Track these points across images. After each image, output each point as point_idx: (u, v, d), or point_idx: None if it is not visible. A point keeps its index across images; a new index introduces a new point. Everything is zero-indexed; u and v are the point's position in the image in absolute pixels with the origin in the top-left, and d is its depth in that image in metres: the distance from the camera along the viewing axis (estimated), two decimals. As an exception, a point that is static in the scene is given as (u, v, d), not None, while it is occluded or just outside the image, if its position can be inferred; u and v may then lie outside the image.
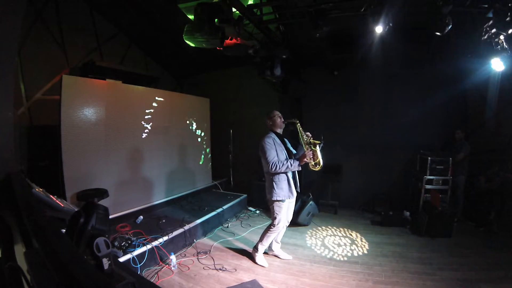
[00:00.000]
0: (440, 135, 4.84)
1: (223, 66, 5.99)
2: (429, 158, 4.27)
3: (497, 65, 3.76)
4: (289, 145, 3.12)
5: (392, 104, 5.03)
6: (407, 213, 4.34)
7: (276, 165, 2.81)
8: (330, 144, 5.32)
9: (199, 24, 2.95)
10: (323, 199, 5.28)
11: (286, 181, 2.91)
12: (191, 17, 3.40)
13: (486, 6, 2.91)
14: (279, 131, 3.06)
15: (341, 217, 4.84)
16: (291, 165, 2.81)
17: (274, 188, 2.89)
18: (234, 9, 3.15)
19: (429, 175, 4.28)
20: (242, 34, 3.46)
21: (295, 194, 2.99)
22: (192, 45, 3.13)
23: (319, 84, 5.63)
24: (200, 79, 6.65)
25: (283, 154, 2.95)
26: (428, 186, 4.30)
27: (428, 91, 4.75)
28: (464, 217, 4.40)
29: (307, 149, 2.87)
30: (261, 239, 3.14)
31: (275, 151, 2.89)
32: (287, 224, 3.24)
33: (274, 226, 3.02)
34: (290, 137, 3.26)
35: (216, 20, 2.95)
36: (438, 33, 2.95)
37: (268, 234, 3.08)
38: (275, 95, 5.89)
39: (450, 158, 4.23)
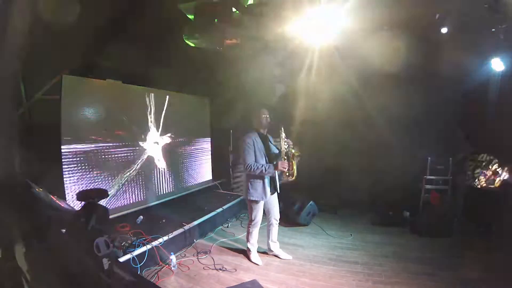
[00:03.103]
0: (440, 135, 4.84)
1: (223, 66, 5.97)
2: (429, 158, 4.27)
3: (497, 65, 3.76)
4: (272, 146, 3.07)
5: (392, 103, 5.02)
6: (407, 213, 4.34)
7: (251, 167, 2.81)
8: (330, 143, 5.40)
9: (199, 24, 2.95)
10: (323, 199, 5.27)
11: (262, 183, 2.92)
12: (191, 17, 3.40)
13: (486, 6, 2.90)
14: (263, 131, 3.01)
15: (341, 217, 4.84)
16: (265, 170, 2.81)
17: (249, 188, 2.93)
18: (234, 9, 3.15)
19: (429, 175, 4.28)
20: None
21: (269, 195, 2.99)
22: (192, 45, 3.13)
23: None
24: (200, 79, 6.64)
25: (262, 157, 2.91)
26: (428, 186, 4.30)
27: (428, 91, 4.74)
28: (464, 217, 4.40)
29: (284, 159, 2.87)
30: (246, 238, 3.22)
31: (253, 154, 2.85)
32: (277, 222, 3.23)
33: (251, 222, 3.10)
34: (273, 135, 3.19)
35: (216, 20, 2.96)
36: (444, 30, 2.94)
37: (249, 230, 3.17)
38: (275, 95, 5.88)
39: (450, 158, 4.23)
